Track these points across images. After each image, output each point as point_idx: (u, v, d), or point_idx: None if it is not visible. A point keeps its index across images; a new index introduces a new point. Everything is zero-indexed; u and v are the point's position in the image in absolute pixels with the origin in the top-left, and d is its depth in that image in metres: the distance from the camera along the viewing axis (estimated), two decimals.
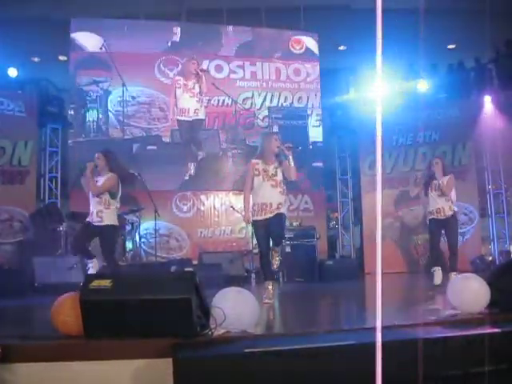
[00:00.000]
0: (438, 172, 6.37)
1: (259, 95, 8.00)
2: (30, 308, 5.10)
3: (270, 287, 5.00)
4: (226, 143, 7.79)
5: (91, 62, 7.40)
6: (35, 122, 9.13)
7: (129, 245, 7.99)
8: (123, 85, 7.20)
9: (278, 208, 5.05)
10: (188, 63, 7.71)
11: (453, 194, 6.42)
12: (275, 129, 8.28)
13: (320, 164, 9.80)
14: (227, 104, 7.81)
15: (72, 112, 8.44)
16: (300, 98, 8.64)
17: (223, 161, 7.71)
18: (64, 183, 9.53)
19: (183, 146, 7.77)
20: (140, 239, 8.38)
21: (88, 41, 7.73)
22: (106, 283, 2.98)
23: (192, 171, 7.60)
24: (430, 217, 6.45)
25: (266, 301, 4.89)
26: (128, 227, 7.96)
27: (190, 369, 2.61)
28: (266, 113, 8.24)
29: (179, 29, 8.35)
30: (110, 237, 5.70)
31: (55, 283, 6.11)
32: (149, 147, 7.55)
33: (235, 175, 7.85)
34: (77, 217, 7.73)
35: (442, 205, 6.35)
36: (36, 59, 12.43)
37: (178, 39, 8.51)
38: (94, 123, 7.30)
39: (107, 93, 7.36)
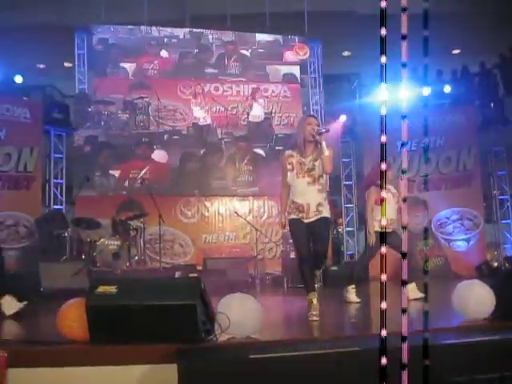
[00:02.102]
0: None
1: (242, 105, 10.96)
2: (35, 313, 5.10)
3: (315, 300, 4.24)
4: (220, 135, 10.69)
5: (139, 85, 10.60)
6: (40, 128, 9.19)
7: (133, 250, 7.98)
8: (158, 99, 10.40)
9: (318, 210, 4.27)
10: (196, 86, 10.81)
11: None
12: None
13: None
14: (221, 111, 10.77)
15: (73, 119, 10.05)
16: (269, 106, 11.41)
17: (219, 146, 10.72)
18: (69, 189, 9.58)
19: (196, 137, 10.68)
20: (144, 245, 8.39)
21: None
22: (111, 289, 2.99)
23: (202, 151, 10.60)
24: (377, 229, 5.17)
25: (314, 318, 4.14)
26: (132, 233, 7.98)
27: (195, 374, 2.61)
28: (245, 115, 10.95)
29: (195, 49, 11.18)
30: None
31: (60, 288, 6.11)
32: (174, 137, 10.54)
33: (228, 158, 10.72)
34: (82, 223, 7.78)
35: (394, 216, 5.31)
36: (41, 66, 12.52)
37: (192, 54, 11.15)
38: (141, 122, 10.37)
39: (148, 104, 10.45)
